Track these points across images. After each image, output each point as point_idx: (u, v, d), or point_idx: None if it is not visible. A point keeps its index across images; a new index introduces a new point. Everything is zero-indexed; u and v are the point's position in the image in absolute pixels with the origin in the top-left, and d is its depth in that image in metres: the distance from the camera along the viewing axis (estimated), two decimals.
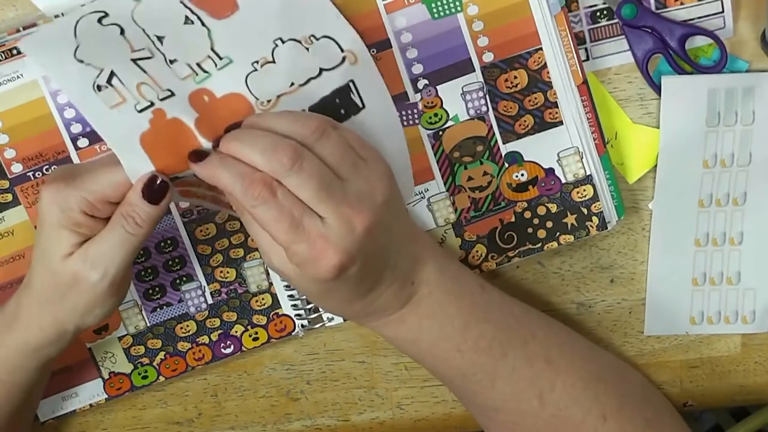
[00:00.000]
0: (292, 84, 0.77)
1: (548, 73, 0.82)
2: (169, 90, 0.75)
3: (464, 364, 0.79)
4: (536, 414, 0.80)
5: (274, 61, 0.77)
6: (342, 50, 0.78)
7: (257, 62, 0.76)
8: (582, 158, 0.84)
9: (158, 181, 0.72)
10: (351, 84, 0.78)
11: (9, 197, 0.82)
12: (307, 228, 0.70)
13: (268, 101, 0.76)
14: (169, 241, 0.85)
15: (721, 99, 0.85)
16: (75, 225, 0.73)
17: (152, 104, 0.74)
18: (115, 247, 0.72)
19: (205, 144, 0.74)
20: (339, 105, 0.78)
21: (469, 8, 0.81)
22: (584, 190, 0.84)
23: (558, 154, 0.84)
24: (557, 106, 0.83)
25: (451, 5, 0.81)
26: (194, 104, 0.75)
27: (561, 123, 0.83)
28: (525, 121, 0.83)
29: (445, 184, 0.84)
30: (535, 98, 0.82)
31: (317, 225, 0.70)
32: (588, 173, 0.84)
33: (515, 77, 0.82)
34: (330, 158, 0.71)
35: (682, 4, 0.84)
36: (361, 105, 0.79)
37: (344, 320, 0.87)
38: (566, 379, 0.80)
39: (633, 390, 0.85)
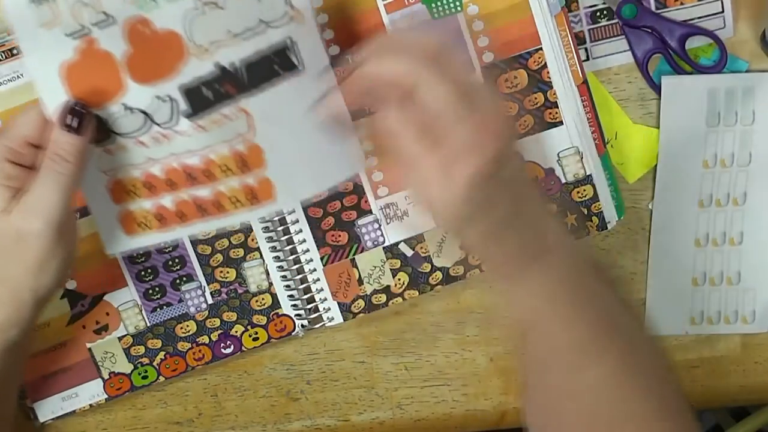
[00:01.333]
0: (230, 33, 0.74)
1: (548, 73, 0.82)
2: (108, 14, 0.72)
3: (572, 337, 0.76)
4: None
5: (221, 7, 0.73)
6: (292, 6, 0.75)
7: (204, 2, 0.73)
8: (582, 158, 0.83)
9: (75, 108, 0.72)
10: (291, 42, 0.75)
11: None
12: (444, 136, 0.67)
13: (204, 48, 0.74)
14: (169, 241, 0.85)
15: (721, 99, 0.85)
16: (5, 178, 0.72)
17: (84, 30, 0.72)
18: (50, 190, 0.72)
19: (129, 83, 0.73)
20: (275, 63, 0.75)
21: (469, 8, 0.80)
22: (584, 190, 0.84)
23: (558, 154, 0.84)
24: (557, 106, 0.83)
25: (451, 5, 0.80)
26: (130, 35, 0.72)
27: (561, 123, 0.83)
28: (525, 121, 0.83)
29: None
30: (535, 98, 0.82)
31: (456, 132, 0.67)
32: (588, 173, 0.84)
33: (515, 77, 0.82)
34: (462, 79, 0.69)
35: (682, 4, 0.84)
36: (299, 66, 0.76)
37: (344, 320, 0.87)
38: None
39: None
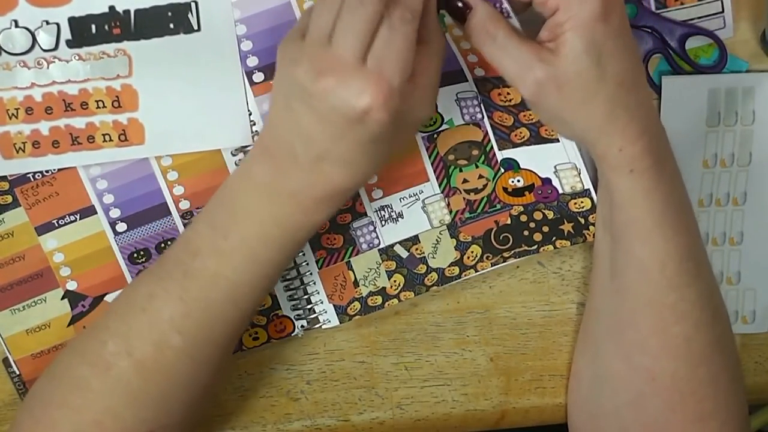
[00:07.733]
0: None
1: None
2: None
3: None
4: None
5: None
6: None
7: None
8: (579, 173, 0.83)
9: None
10: (193, 5, 0.79)
11: (9, 199, 0.83)
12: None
13: None
14: (169, 242, 0.85)
15: (721, 99, 0.84)
16: None
17: None
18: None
19: (21, 1, 0.78)
20: (170, 19, 0.79)
21: (455, 30, 0.80)
22: (582, 202, 0.84)
23: (555, 167, 0.83)
24: None
25: None
26: None
27: (557, 140, 0.82)
28: (521, 132, 0.82)
29: (439, 186, 0.84)
30: (530, 114, 0.82)
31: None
32: (586, 188, 0.83)
33: (508, 93, 0.82)
34: None
35: (682, 4, 0.83)
36: (196, 27, 0.79)
37: (340, 323, 0.87)
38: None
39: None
